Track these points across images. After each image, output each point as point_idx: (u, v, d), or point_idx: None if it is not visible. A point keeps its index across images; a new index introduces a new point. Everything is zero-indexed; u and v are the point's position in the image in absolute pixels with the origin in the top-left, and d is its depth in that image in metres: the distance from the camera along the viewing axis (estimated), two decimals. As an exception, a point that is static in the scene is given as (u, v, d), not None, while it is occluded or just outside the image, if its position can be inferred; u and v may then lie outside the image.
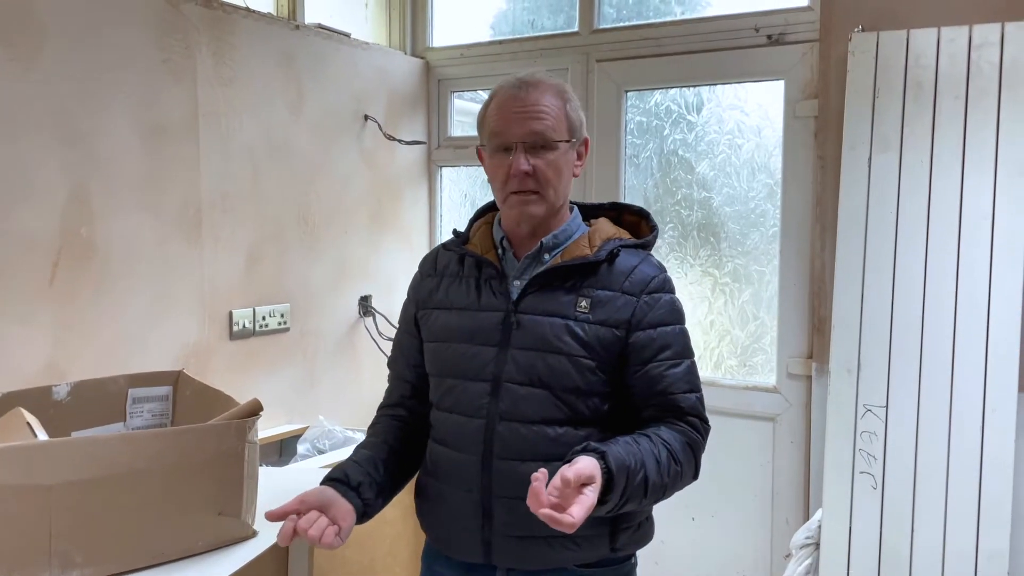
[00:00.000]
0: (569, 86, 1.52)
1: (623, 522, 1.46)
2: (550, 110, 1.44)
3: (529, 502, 1.19)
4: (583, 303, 1.43)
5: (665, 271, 1.50)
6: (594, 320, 1.42)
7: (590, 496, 1.21)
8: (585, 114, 3.22)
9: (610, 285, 1.44)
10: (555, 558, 1.44)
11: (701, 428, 1.45)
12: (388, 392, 1.66)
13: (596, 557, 1.46)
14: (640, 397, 1.44)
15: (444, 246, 1.60)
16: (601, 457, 1.26)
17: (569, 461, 1.25)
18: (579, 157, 1.51)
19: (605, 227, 1.53)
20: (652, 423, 1.43)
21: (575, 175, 1.51)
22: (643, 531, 1.53)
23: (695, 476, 1.44)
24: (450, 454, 1.49)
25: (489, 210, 1.62)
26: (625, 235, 1.54)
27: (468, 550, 1.48)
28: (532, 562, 1.45)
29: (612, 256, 1.46)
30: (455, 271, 1.55)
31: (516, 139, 1.43)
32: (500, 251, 1.52)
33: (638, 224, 1.58)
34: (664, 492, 1.37)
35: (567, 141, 1.46)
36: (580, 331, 1.42)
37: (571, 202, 1.57)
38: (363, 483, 1.44)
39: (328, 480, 1.44)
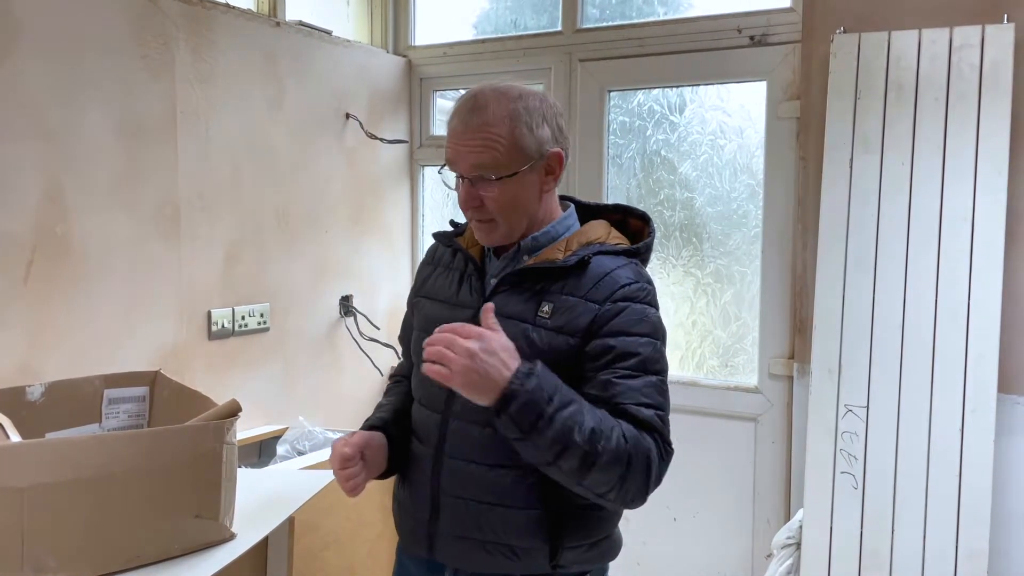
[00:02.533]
0: (532, 97, 1.41)
1: (568, 539, 1.40)
2: (493, 141, 1.36)
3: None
4: (545, 308, 1.38)
5: (643, 280, 1.42)
6: (551, 327, 1.37)
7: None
8: (567, 114, 3.20)
9: (577, 291, 1.39)
10: (492, 564, 1.41)
11: (660, 446, 1.33)
12: (400, 364, 1.71)
13: (535, 571, 1.40)
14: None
15: (440, 236, 1.60)
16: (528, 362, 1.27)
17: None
18: (548, 172, 1.43)
19: (593, 230, 1.48)
20: None
21: (545, 191, 1.44)
22: (600, 550, 1.45)
23: (647, 486, 1.32)
24: (416, 446, 1.49)
25: None
26: (618, 239, 1.48)
27: (416, 543, 1.48)
28: (472, 565, 1.43)
29: (582, 263, 1.40)
30: (448, 262, 1.54)
31: (461, 172, 1.40)
32: (488, 248, 1.50)
33: (642, 230, 1.53)
34: (604, 458, 1.25)
35: (514, 173, 1.37)
36: (536, 336, 1.37)
37: (572, 200, 1.54)
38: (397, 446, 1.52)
39: (373, 429, 1.49)
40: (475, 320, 1.37)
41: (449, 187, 1.47)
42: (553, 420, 1.24)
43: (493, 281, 1.46)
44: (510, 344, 1.28)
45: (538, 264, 1.42)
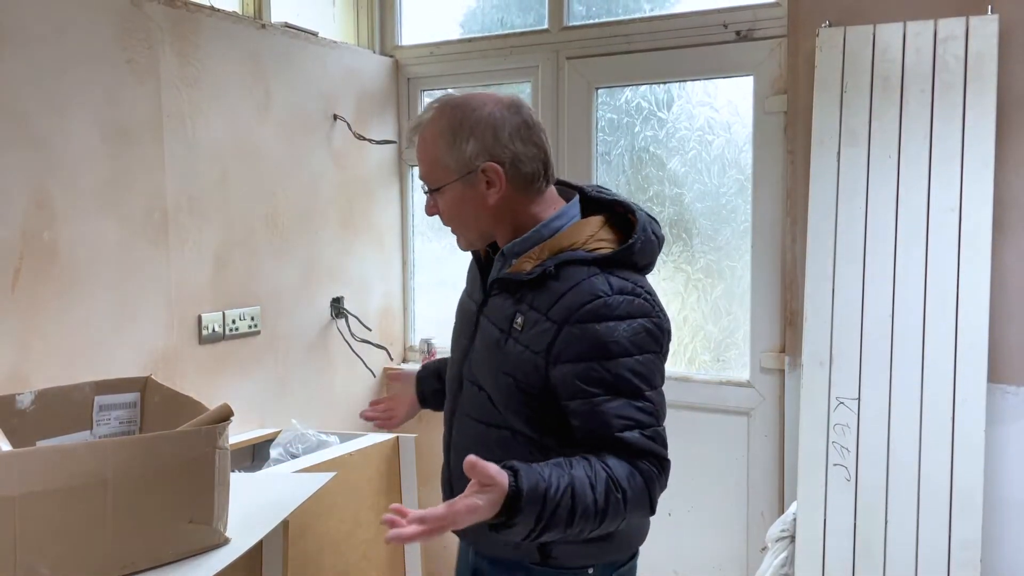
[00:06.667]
0: (471, 110, 1.42)
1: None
2: (428, 155, 1.46)
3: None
4: (519, 320, 1.40)
5: (613, 292, 1.35)
6: (520, 340, 1.39)
7: (464, 503, 1.19)
8: (555, 112, 3.20)
9: (540, 307, 1.37)
10: (498, 548, 1.46)
11: (655, 464, 1.34)
12: None
13: (532, 559, 1.45)
14: (578, 433, 1.35)
15: None
16: (513, 475, 1.21)
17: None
18: (489, 184, 1.42)
19: (574, 234, 1.43)
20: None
21: (492, 203, 1.43)
22: (599, 547, 1.45)
23: (652, 508, 1.36)
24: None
25: None
26: (601, 243, 1.43)
27: None
28: (487, 547, 1.51)
29: (544, 276, 1.38)
30: (477, 257, 1.61)
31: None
32: (491, 249, 1.56)
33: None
34: (601, 520, 1.28)
35: (445, 184, 1.44)
36: (509, 348, 1.40)
37: (581, 190, 1.53)
38: (427, 378, 1.84)
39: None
40: (476, 319, 1.51)
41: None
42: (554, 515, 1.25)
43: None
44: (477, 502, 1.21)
45: (507, 275, 1.44)
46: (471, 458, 1.19)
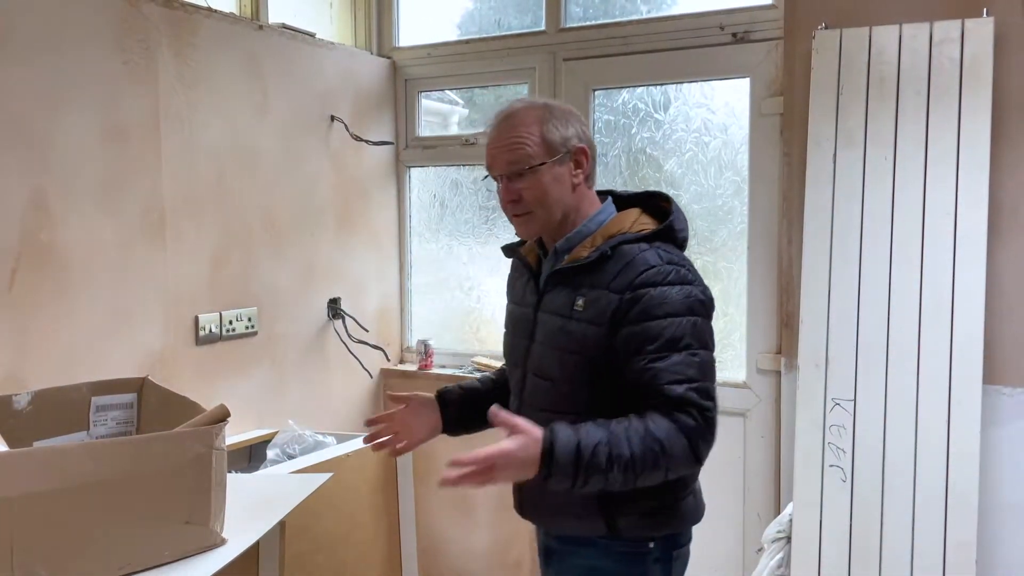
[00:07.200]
0: (557, 106, 1.61)
1: (621, 506, 1.53)
2: (524, 138, 1.56)
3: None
4: (579, 302, 1.54)
5: (663, 262, 1.52)
6: (584, 319, 1.53)
7: (496, 445, 1.35)
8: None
9: (601, 283, 1.53)
10: (567, 526, 1.61)
11: (697, 416, 1.45)
12: None
13: (595, 533, 1.56)
14: (634, 390, 1.48)
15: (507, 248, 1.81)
16: (550, 430, 1.38)
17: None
18: (577, 165, 1.60)
19: (619, 221, 1.61)
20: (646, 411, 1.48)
21: (576, 183, 1.60)
22: (660, 519, 1.57)
23: (696, 459, 1.46)
24: None
25: None
26: (643, 226, 1.60)
27: (515, 505, 1.71)
28: (548, 525, 1.67)
29: (603, 256, 1.53)
30: (519, 267, 1.77)
31: (498, 172, 1.61)
32: (543, 253, 1.69)
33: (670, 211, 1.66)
34: (641, 468, 1.41)
35: (543, 163, 1.56)
36: (573, 328, 1.54)
37: (608, 192, 1.69)
38: (451, 403, 1.82)
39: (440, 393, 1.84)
40: (533, 318, 1.63)
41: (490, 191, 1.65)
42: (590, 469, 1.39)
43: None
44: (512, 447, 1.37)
45: (571, 264, 1.58)
46: (494, 408, 1.39)
